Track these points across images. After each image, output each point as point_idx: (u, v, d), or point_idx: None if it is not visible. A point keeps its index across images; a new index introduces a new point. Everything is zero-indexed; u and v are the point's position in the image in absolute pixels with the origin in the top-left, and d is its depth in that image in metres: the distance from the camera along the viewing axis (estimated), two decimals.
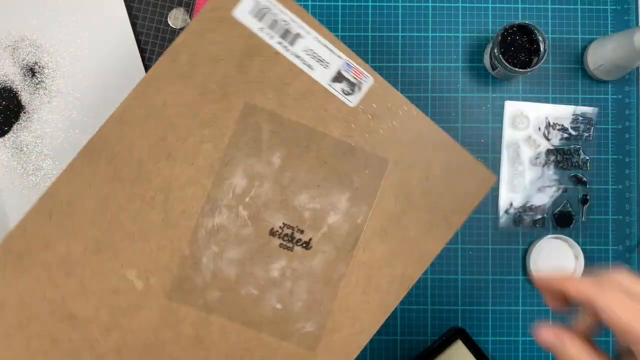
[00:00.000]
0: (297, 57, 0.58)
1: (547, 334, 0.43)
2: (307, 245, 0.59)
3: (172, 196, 0.58)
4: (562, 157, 0.76)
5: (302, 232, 0.59)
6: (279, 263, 0.59)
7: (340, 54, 0.59)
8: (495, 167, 0.76)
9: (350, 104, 0.59)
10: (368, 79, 0.59)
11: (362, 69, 0.59)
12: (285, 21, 0.58)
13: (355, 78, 0.59)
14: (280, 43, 0.58)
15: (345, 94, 0.59)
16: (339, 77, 0.59)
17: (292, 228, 0.59)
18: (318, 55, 0.59)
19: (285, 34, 0.58)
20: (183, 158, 0.58)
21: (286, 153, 0.59)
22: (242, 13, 0.58)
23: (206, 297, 0.58)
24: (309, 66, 0.59)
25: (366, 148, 0.60)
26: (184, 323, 0.58)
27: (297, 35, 0.58)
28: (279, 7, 0.58)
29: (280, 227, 0.59)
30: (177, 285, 0.58)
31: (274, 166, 0.59)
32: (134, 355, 0.58)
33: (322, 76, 0.59)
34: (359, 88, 0.59)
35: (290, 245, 0.59)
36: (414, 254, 0.60)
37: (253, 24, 0.58)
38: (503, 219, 0.76)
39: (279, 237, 0.59)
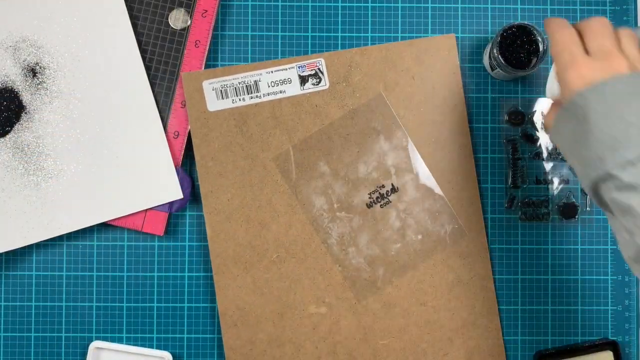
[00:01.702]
0: (269, 94, 0.73)
1: (549, 20, 0.58)
2: (394, 189, 0.73)
3: (290, 245, 0.73)
4: None
5: (383, 186, 0.73)
6: (392, 215, 0.74)
7: (289, 65, 0.73)
8: (495, 166, 0.76)
9: (325, 87, 0.73)
10: (320, 61, 0.73)
11: (310, 60, 0.73)
12: (240, 82, 0.73)
13: (312, 69, 0.73)
14: (251, 97, 0.73)
15: (316, 85, 0.73)
16: (303, 80, 0.73)
17: (376, 190, 0.73)
18: (278, 80, 0.73)
19: (249, 88, 0.73)
20: (270, 218, 0.73)
21: (324, 157, 0.74)
22: (213, 104, 0.73)
23: (377, 279, 0.73)
24: (281, 92, 0.73)
25: (361, 101, 0.74)
26: (373, 307, 0.73)
27: (256, 82, 0.73)
28: (228, 78, 0.73)
29: (369, 198, 0.73)
30: (356, 290, 0.73)
31: (327, 171, 0.73)
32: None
33: (294, 89, 0.73)
34: (321, 72, 0.73)
35: (385, 200, 0.73)
36: (451, 127, 0.74)
37: (226, 103, 0.73)
38: (507, 216, 0.76)
39: (375, 203, 0.73)
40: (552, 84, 0.60)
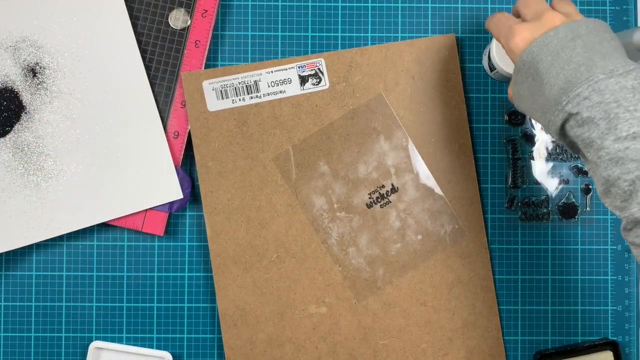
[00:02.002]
0: (269, 94, 0.73)
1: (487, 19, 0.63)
2: (394, 189, 0.73)
3: (290, 245, 0.73)
4: (561, 150, 0.76)
5: (383, 186, 0.73)
6: (392, 215, 0.74)
7: (289, 65, 0.73)
8: (495, 166, 0.76)
9: (325, 87, 0.73)
10: (320, 62, 0.73)
11: (310, 60, 0.73)
12: (240, 82, 0.73)
13: (312, 69, 0.73)
14: (251, 97, 0.73)
15: (316, 85, 0.73)
16: (303, 80, 0.73)
17: (376, 190, 0.73)
18: (278, 80, 0.73)
19: (248, 88, 0.73)
20: (270, 218, 0.73)
21: (324, 157, 0.74)
22: (213, 104, 0.73)
23: (377, 279, 0.73)
24: (281, 92, 0.73)
25: (361, 101, 0.74)
26: (373, 307, 0.73)
27: (256, 82, 0.73)
28: (228, 78, 0.73)
29: (369, 198, 0.73)
30: (356, 290, 0.73)
31: (327, 171, 0.73)
32: None
33: (294, 89, 0.73)
34: (321, 72, 0.73)
35: (385, 200, 0.73)
36: (451, 127, 0.74)
37: (226, 103, 0.73)
38: (507, 216, 0.76)
39: (375, 203, 0.73)
40: (491, 60, 0.66)
